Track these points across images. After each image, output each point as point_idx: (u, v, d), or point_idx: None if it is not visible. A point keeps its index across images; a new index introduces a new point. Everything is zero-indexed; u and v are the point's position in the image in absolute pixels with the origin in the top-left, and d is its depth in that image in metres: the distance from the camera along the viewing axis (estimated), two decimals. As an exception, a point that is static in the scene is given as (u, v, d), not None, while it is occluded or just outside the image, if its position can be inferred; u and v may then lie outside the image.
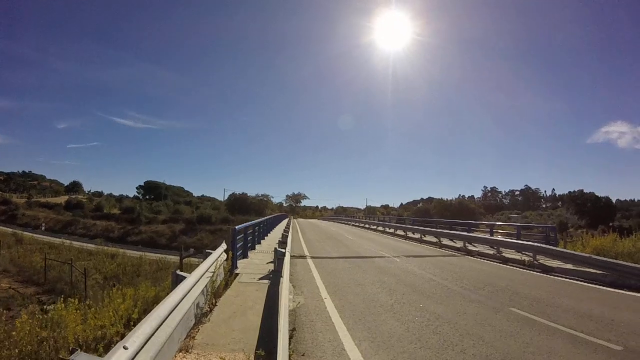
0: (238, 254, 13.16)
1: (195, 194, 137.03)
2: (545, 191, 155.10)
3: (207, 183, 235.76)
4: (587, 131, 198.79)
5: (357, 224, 57.21)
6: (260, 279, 10.98)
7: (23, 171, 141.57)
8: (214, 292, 8.40)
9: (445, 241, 25.12)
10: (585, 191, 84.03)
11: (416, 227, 32.01)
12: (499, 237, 22.17)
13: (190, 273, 7.22)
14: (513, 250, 19.36)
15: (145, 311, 6.31)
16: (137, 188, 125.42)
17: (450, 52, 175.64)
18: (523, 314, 8.52)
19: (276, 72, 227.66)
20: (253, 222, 18.59)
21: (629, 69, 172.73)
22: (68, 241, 47.89)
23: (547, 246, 17.85)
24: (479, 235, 24.54)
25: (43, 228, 71.71)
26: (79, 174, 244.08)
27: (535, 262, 16.59)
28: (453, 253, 21.21)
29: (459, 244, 23.35)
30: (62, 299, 9.07)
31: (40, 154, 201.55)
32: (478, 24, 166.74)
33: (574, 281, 13.38)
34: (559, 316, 8.42)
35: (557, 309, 9.14)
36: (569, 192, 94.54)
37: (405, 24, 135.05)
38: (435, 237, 26.82)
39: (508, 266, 16.91)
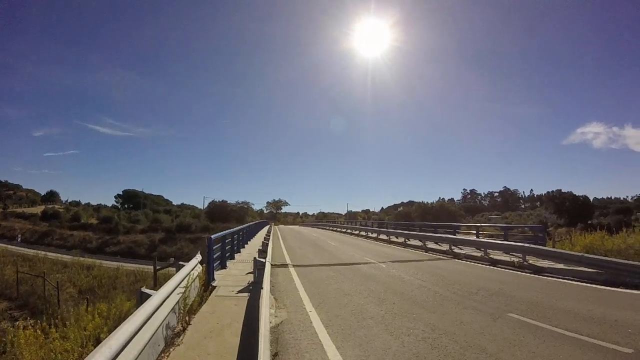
0: (215, 264, 12.37)
1: (175, 203, 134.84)
2: (523, 192, 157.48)
3: (187, 191, 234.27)
4: (563, 132, 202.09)
5: (339, 229, 56.56)
6: (240, 291, 10.13)
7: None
8: (188, 309, 7.54)
9: (431, 244, 24.61)
10: (563, 190, 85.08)
11: (400, 230, 31.40)
12: (486, 239, 21.62)
13: (159, 290, 6.36)
14: (501, 252, 18.95)
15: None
16: (115, 197, 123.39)
17: (428, 58, 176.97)
18: (523, 320, 8.02)
19: (255, 79, 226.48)
20: (231, 230, 17.66)
21: (603, 70, 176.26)
22: (43, 253, 46.41)
23: (537, 246, 17.44)
24: (465, 238, 24.02)
25: (19, 239, 69.50)
26: (57, 183, 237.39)
27: (525, 263, 16.23)
28: (440, 256, 20.65)
29: (444, 247, 22.94)
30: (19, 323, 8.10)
31: (16, 163, 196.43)
32: (454, 31, 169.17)
33: (568, 281, 12.99)
34: (560, 320, 7.98)
35: (556, 311, 8.70)
36: (547, 192, 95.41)
37: (385, 31, 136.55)
38: (420, 240, 26.27)
39: (498, 268, 16.49)
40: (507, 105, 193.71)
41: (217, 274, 12.37)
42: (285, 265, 16.70)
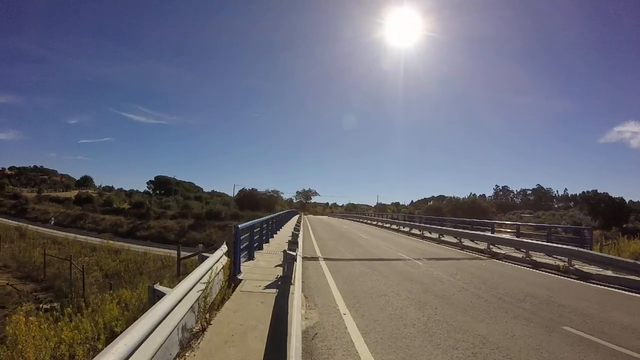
0: (242, 255, 11.58)
1: (205, 190, 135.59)
2: (557, 191, 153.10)
3: (217, 179, 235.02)
4: (599, 131, 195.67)
5: (368, 221, 55.61)
6: (267, 287, 9.26)
7: (35, 166, 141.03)
8: (209, 307, 6.72)
9: (466, 242, 23.49)
10: (599, 191, 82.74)
11: (434, 226, 30.21)
12: (528, 240, 20.33)
13: (175, 287, 5.51)
14: (542, 254, 17.84)
15: (135, 319, 4.64)
16: (147, 183, 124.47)
17: (461, 49, 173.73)
18: (580, 335, 7.10)
19: (286, 69, 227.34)
20: (260, 219, 16.94)
21: None
22: (73, 235, 47.28)
23: (585, 250, 16.30)
24: (505, 237, 22.71)
25: (52, 222, 71.06)
26: (91, 169, 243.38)
27: (570, 267, 15.00)
28: (477, 255, 19.57)
29: (481, 245, 21.76)
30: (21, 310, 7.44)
31: (52, 149, 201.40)
32: (489, 22, 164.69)
33: (619, 291, 11.76)
34: (619, 336, 7.15)
35: (613, 326, 7.77)
36: (583, 192, 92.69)
37: (417, 20, 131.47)
38: (455, 237, 25.18)
39: (541, 272, 15.19)
40: (542, 100, 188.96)
41: (244, 266, 11.65)
42: (315, 259, 15.86)
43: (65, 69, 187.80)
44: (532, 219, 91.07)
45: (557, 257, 16.72)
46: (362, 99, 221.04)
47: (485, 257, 18.88)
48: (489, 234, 23.92)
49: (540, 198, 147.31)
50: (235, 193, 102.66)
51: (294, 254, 9.99)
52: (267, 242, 18.59)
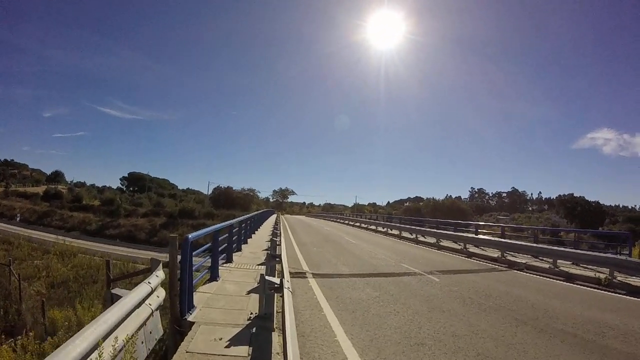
0: (198, 278, 7.62)
1: (180, 187, 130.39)
2: (532, 194, 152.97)
3: (193, 176, 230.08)
4: (573, 136, 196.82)
5: (348, 222, 52.58)
6: (232, 340, 5.28)
7: (5, 159, 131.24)
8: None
9: (472, 248, 20.32)
10: (575, 195, 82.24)
11: (431, 229, 26.56)
12: (555, 247, 17.03)
13: None
14: (569, 262, 15.10)
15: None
16: (120, 179, 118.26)
17: (442, 51, 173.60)
18: None
19: (266, 68, 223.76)
20: (228, 222, 12.58)
21: (616, 77, 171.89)
22: (37, 233, 44.15)
23: (633, 259, 13.24)
24: (523, 243, 19.15)
25: (18, 219, 66.41)
26: (65, 164, 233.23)
27: (614, 280, 12.22)
28: (492, 265, 16.29)
29: (490, 252, 18.74)
30: None
31: (25, 143, 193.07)
32: (470, 25, 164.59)
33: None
34: None
35: None
36: (559, 195, 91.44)
37: (398, 22, 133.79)
38: (455, 242, 22.15)
39: (580, 286, 12.22)
40: (518, 104, 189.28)
41: (201, 292, 7.70)
42: (301, 274, 11.86)
43: (41, 59, 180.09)
44: (508, 221, 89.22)
45: (587, 266, 14.35)
46: (342, 99, 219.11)
47: (503, 268, 15.63)
48: (499, 239, 20.38)
49: (515, 201, 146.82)
50: (210, 191, 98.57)
51: (274, 281, 6.04)
52: (240, 249, 14.62)
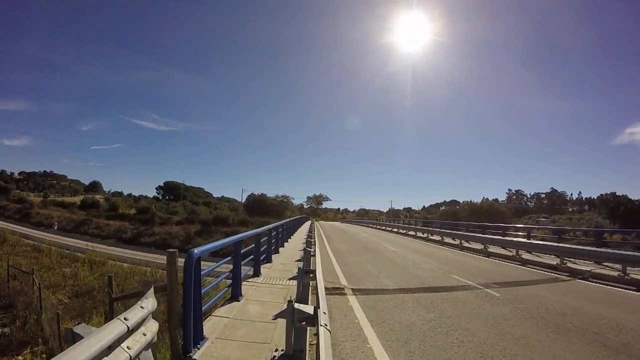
0: (214, 298, 6.16)
1: (215, 195, 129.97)
2: (571, 194, 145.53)
3: (227, 184, 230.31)
4: (611, 133, 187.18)
5: (385, 227, 50.35)
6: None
7: (44, 171, 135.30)
8: None
9: (525, 254, 18.21)
10: (617, 194, 76.01)
11: (476, 234, 24.50)
12: (625, 252, 14.82)
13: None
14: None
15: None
16: (156, 188, 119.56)
17: (470, 53, 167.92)
18: None
19: (294, 73, 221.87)
20: (252, 232, 10.72)
21: None
22: (72, 241, 43.88)
23: None
24: (586, 248, 16.80)
25: (55, 227, 66.27)
26: (102, 175, 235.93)
27: None
28: (553, 274, 14.21)
29: (546, 258, 16.88)
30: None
31: (64, 155, 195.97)
32: (499, 26, 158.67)
33: None
34: None
35: None
36: (601, 194, 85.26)
37: (425, 25, 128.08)
38: (504, 247, 20.19)
39: None
40: (552, 102, 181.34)
41: (219, 316, 6.28)
42: (339, 290, 10.21)
43: (78, 76, 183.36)
44: (549, 223, 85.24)
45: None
46: (372, 103, 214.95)
47: (565, 277, 13.62)
48: (558, 243, 18.25)
49: (554, 202, 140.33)
50: (244, 198, 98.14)
51: (307, 311, 4.49)
52: (269, 260, 13.20)
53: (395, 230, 44.49)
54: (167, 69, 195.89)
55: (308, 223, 51.18)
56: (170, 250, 5.11)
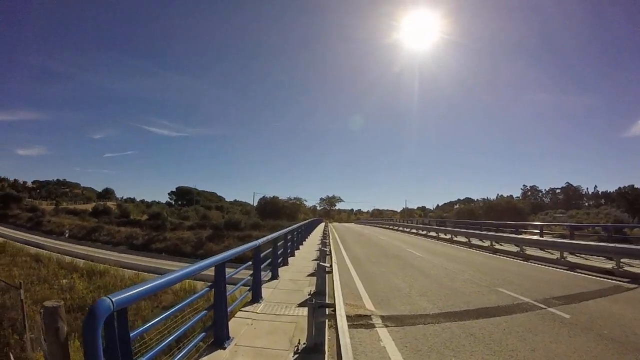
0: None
1: (227, 199, 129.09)
2: (587, 188, 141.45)
3: (239, 188, 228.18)
4: (624, 125, 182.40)
5: (403, 228, 47.70)
6: None
7: (57, 179, 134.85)
8: None
9: (569, 257, 16.00)
10: (635, 186, 73.94)
11: (510, 235, 21.93)
12: None
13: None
14: None
15: None
16: (168, 194, 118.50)
17: (479, 50, 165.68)
18: None
19: (302, 74, 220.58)
20: (236, 250, 6.40)
21: None
22: (83, 248, 43.67)
23: None
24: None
25: (67, 235, 65.71)
26: (115, 181, 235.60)
27: None
28: (613, 281, 12.00)
29: (595, 261, 14.86)
30: None
31: (77, 163, 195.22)
32: (508, 21, 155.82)
33: None
34: None
35: None
36: (619, 187, 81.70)
37: (433, 23, 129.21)
38: (542, 249, 18.04)
39: None
40: (563, 96, 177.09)
41: None
42: (365, 320, 7.64)
43: (87, 85, 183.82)
44: (567, 219, 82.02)
45: None
46: (382, 102, 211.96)
47: (628, 284, 11.44)
48: (619, 244, 15.63)
49: (569, 196, 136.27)
50: (256, 202, 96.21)
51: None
52: (275, 277, 10.85)
53: (414, 231, 41.86)
54: (174, 74, 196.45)
55: (322, 225, 48.86)
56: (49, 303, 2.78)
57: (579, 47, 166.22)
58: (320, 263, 8.24)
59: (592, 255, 15.64)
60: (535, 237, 20.17)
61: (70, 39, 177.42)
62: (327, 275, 7.74)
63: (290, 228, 16.90)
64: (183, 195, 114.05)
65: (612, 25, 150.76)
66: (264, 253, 9.48)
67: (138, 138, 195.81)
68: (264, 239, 9.11)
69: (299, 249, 19.50)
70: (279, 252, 11.73)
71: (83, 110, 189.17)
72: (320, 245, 15.16)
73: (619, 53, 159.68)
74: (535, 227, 25.74)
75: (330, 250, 15.42)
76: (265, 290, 9.00)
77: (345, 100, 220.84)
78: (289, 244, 15.56)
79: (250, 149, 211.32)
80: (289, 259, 14.93)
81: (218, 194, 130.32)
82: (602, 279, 12.24)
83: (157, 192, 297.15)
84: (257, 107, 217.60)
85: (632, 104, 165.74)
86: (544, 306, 8.63)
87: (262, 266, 8.49)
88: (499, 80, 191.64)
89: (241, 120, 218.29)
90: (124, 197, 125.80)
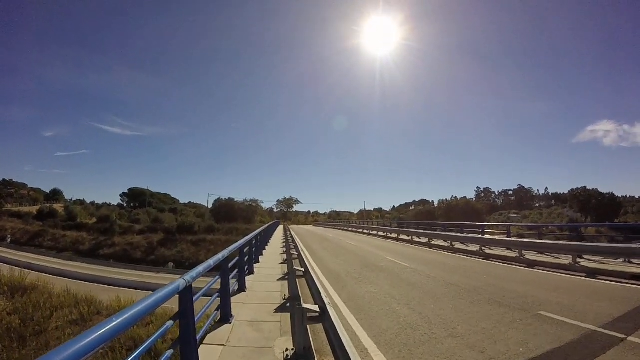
0: None
1: (182, 201, 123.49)
2: (538, 190, 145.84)
3: (194, 190, 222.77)
4: (574, 130, 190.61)
5: (365, 231, 45.13)
6: None
7: (3, 179, 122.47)
8: None
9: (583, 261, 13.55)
10: (587, 188, 76.15)
11: (502, 239, 19.10)
12: None
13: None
14: None
15: None
16: (121, 196, 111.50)
17: (438, 55, 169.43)
18: None
19: (260, 76, 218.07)
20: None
21: (613, 68, 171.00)
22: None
23: None
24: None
25: (9, 240, 60.42)
26: (67, 182, 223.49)
27: None
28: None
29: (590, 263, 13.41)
30: None
31: (27, 163, 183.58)
32: (465, 29, 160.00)
33: None
34: None
35: None
36: (572, 189, 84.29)
37: (393, 29, 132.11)
38: (539, 251, 16.65)
39: None
40: (516, 102, 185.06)
41: None
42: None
43: (37, 79, 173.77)
44: (520, 220, 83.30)
45: None
46: (340, 105, 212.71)
47: None
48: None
49: (521, 198, 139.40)
50: (211, 203, 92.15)
51: None
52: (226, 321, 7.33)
53: (374, 232, 40.02)
54: (132, 71, 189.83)
55: (280, 228, 45.54)
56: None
57: (534, 56, 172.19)
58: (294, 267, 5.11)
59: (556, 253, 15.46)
60: (536, 240, 18.25)
61: (19, 30, 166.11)
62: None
63: (255, 233, 15.00)
64: (136, 197, 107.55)
65: (563, 37, 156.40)
66: (232, 263, 7.83)
67: (91, 136, 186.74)
68: (232, 247, 7.15)
69: (262, 254, 18.25)
70: (245, 260, 9.71)
71: (33, 106, 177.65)
72: (284, 248, 12.52)
73: (570, 63, 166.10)
74: (504, 227, 23.77)
75: (298, 254, 12.57)
76: (235, 306, 7.42)
77: (304, 104, 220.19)
78: (254, 249, 13.60)
79: (207, 150, 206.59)
80: (254, 266, 12.99)
81: (172, 196, 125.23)
82: (618, 282, 9.25)
83: (110, 193, 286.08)
84: (215, 108, 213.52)
85: (580, 111, 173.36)
86: (612, 332, 5.87)
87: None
88: (456, 85, 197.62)
89: (199, 121, 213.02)
90: (74, 199, 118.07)
